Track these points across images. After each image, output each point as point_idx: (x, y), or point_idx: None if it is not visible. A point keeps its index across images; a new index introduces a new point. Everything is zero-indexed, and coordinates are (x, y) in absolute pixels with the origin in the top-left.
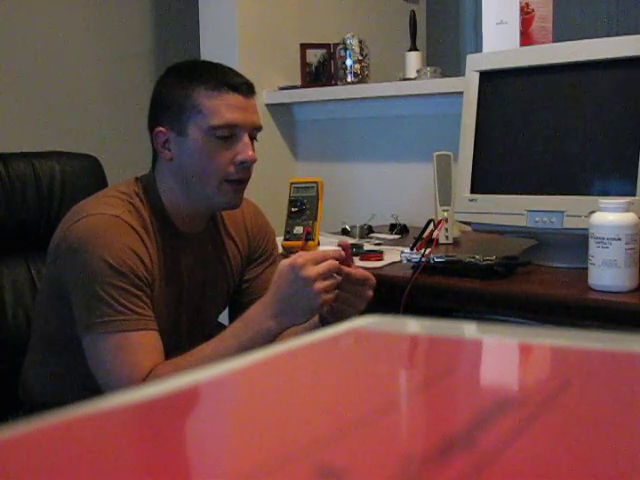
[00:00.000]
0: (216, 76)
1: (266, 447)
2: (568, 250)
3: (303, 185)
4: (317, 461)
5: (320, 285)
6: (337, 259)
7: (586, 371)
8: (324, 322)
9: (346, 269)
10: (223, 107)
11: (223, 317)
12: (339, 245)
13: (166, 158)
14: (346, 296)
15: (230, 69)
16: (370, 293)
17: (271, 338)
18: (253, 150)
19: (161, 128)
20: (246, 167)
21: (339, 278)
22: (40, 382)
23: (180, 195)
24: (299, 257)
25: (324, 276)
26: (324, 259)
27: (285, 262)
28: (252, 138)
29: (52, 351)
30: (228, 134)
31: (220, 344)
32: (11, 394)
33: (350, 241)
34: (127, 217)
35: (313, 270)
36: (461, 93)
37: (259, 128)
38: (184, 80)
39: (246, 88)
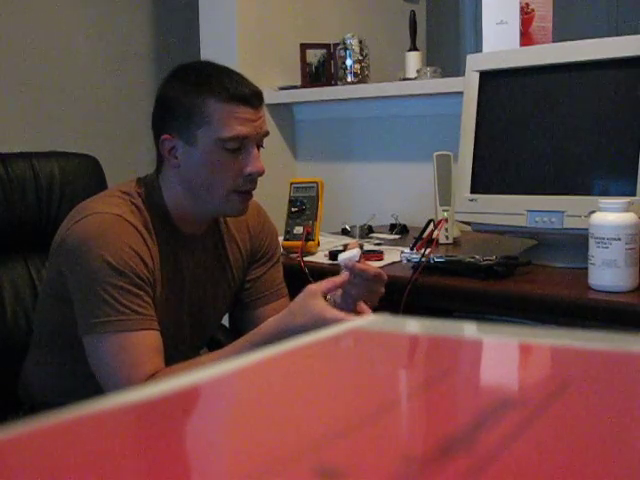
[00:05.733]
0: (227, 87)
1: (266, 447)
2: (568, 250)
3: (303, 185)
4: (317, 461)
5: (332, 314)
6: (331, 250)
7: (586, 371)
8: None
9: (359, 266)
10: (233, 120)
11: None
12: (345, 265)
13: (173, 165)
14: (359, 292)
15: (239, 76)
16: (382, 289)
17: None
18: (261, 161)
19: (168, 135)
20: (254, 179)
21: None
22: (40, 381)
23: (186, 201)
24: (319, 292)
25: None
26: (333, 288)
27: (310, 291)
28: (259, 147)
29: (53, 350)
30: (237, 146)
31: (226, 356)
32: (11, 394)
33: (353, 241)
34: (129, 217)
35: (333, 312)
36: (461, 93)
37: (266, 134)
38: (193, 88)
39: (256, 100)
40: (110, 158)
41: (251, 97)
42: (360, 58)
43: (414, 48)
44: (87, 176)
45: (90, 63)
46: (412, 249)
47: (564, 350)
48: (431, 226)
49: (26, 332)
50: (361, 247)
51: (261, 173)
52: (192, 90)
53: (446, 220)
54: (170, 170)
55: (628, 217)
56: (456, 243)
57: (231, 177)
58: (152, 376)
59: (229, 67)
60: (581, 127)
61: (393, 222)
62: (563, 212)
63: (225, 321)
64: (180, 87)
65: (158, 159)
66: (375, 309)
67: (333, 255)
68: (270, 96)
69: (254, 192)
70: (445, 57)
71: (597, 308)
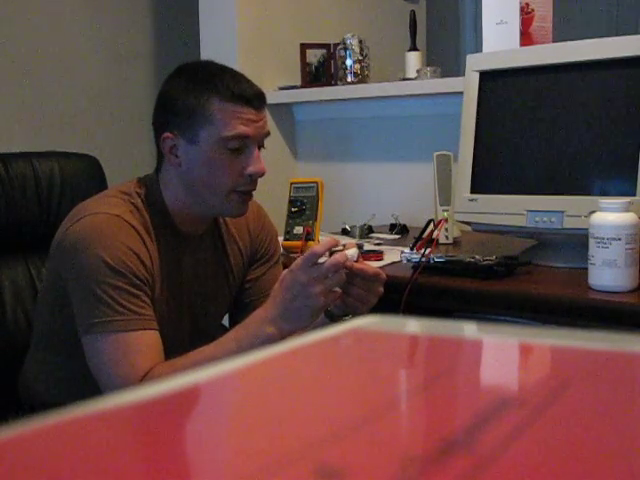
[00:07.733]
0: (232, 87)
1: (266, 447)
2: (568, 250)
3: (303, 185)
4: (317, 461)
5: (318, 288)
6: (331, 250)
7: (586, 371)
8: (334, 319)
9: (357, 266)
10: (236, 120)
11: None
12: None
13: (173, 164)
14: (358, 292)
15: (243, 77)
16: (381, 289)
17: (271, 344)
18: (262, 162)
19: (169, 133)
20: (255, 179)
21: (341, 275)
22: (40, 382)
23: (186, 200)
24: (295, 263)
25: (322, 277)
26: (315, 257)
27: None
28: (260, 147)
29: (53, 350)
30: (239, 146)
31: (219, 347)
32: (11, 394)
33: (350, 241)
34: (128, 217)
35: (309, 274)
36: (461, 93)
37: (267, 135)
38: (197, 87)
39: (258, 101)
40: (110, 158)
41: (254, 98)
42: (360, 58)
43: (414, 48)
44: (87, 176)
45: (90, 63)
46: (412, 249)
47: (564, 350)
48: (431, 226)
49: (26, 332)
50: (359, 247)
51: (262, 174)
52: (195, 89)
53: (446, 220)
54: (170, 169)
55: (628, 217)
56: (456, 243)
57: (232, 177)
58: (148, 372)
59: (231, 67)
60: (581, 127)
61: (393, 222)
62: (563, 212)
63: (225, 321)
64: (183, 85)
65: (158, 158)
66: (375, 309)
67: (332, 255)
68: (270, 96)
69: (254, 193)
70: (445, 57)
71: (597, 308)
